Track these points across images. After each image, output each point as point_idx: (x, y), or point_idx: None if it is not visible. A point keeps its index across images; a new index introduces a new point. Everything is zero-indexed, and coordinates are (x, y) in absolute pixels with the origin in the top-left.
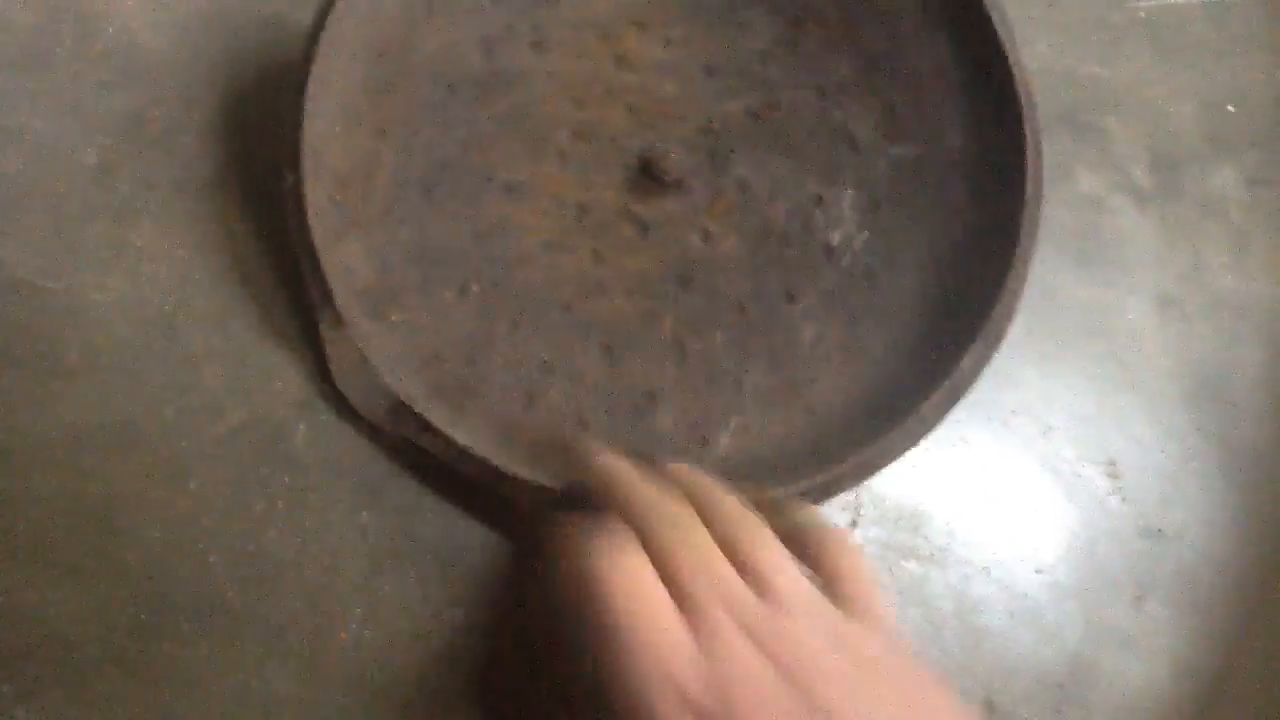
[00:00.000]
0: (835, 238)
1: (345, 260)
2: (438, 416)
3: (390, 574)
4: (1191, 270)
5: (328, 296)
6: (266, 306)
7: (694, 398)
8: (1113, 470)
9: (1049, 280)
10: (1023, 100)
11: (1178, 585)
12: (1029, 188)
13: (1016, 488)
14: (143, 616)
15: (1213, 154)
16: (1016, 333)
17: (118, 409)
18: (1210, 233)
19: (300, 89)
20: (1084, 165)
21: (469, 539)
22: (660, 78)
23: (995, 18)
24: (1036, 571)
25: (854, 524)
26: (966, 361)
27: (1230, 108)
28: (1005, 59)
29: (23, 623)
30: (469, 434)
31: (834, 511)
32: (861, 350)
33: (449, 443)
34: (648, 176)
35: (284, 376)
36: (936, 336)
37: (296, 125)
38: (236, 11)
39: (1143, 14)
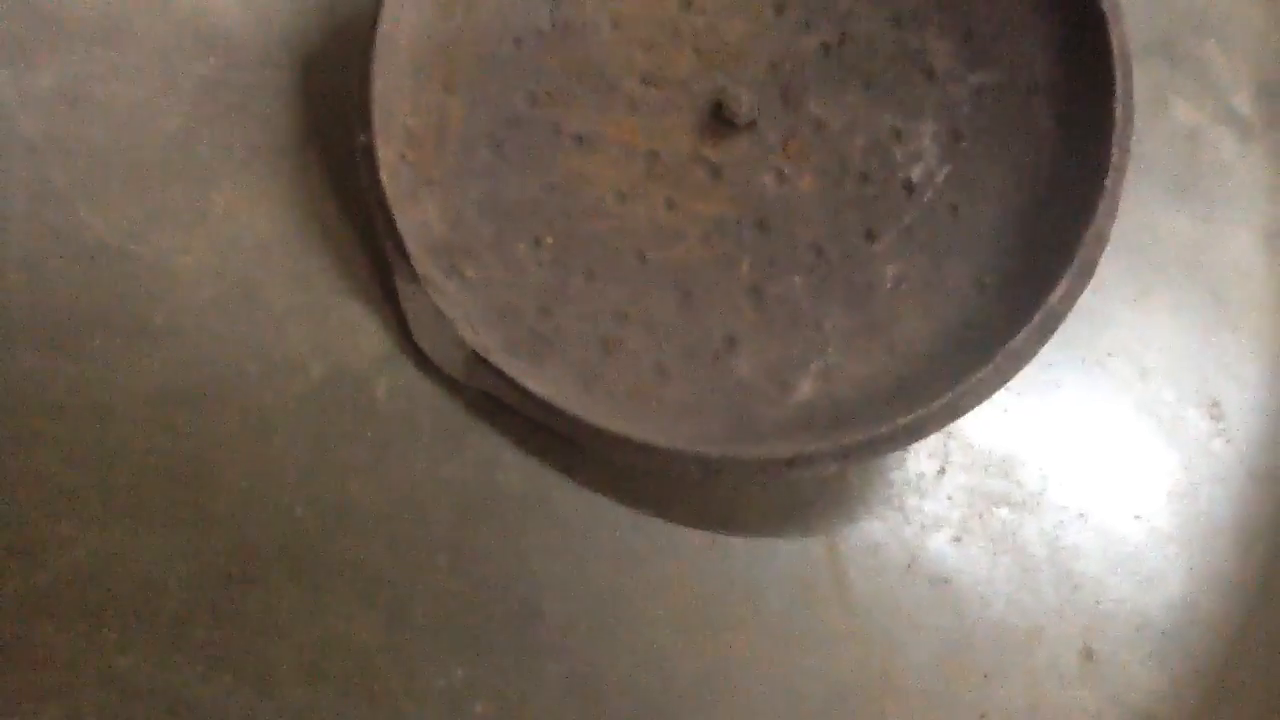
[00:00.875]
0: (915, 172)
1: (419, 217)
2: (514, 369)
3: (474, 524)
4: None
5: (402, 253)
6: (346, 264)
7: (773, 342)
8: (1216, 412)
9: (1145, 216)
10: (1110, 19)
11: None
12: (1119, 111)
13: (1113, 431)
14: (233, 567)
15: None
16: (1111, 271)
17: (204, 368)
18: None
19: (368, 48)
20: (1181, 95)
21: (550, 490)
22: (728, 17)
23: None
24: (1135, 517)
25: (941, 471)
26: (1057, 295)
27: None
28: None
29: (121, 573)
30: (546, 385)
31: (920, 459)
32: (946, 288)
33: (527, 394)
34: (719, 119)
35: (364, 332)
36: (1025, 270)
37: (365, 83)
38: None
39: None
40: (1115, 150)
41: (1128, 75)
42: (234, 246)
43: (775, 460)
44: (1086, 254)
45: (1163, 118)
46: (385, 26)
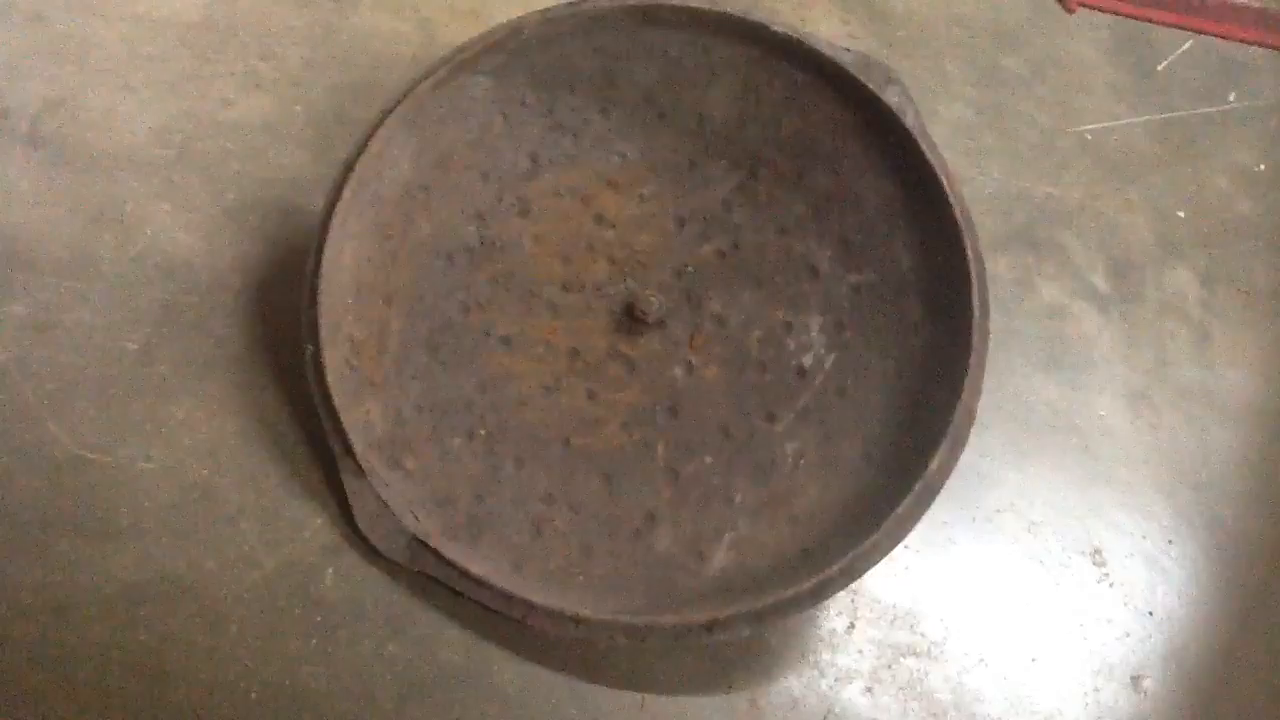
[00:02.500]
0: (807, 360)
1: (362, 416)
2: (453, 552)
3: (418, 700)
4: (1157, 365)
5: (348, 450)
6: (293, 464)
7: (689, 517)
8: (1099, 558)
9: (1020, 385)
10: (963, 227)
11: (1172, 664)
12: (976, 303)
13: (1006, 581)
14: None
15: (1167, 257)
16: (994, 436)
17: (164, 564)
18: (1171, 329)
19: (315, 269)
20: (1044, 277)
21: (490, 663)
22: (636, 231)
23: (927, 151)
24: (1032, 660)
25: (851, 626)
26: (934, 465)
27: (1180, 213)
28: (941, 189)
29: None
30: (483, 565)
31: (831, 616)
32: (838, 461)
33: (465, 575)
34: (631, 319)
35: (312, 526)
36: (906, 445)
37: (313, 299)
38: (257, 205)
39: (1088, 136)
40: (976, 336)
41: (981, 274)
42: (191, 453)
43: (695, 625)
44: (957, 430)
45: (1030, 298)
46: (330, 250)
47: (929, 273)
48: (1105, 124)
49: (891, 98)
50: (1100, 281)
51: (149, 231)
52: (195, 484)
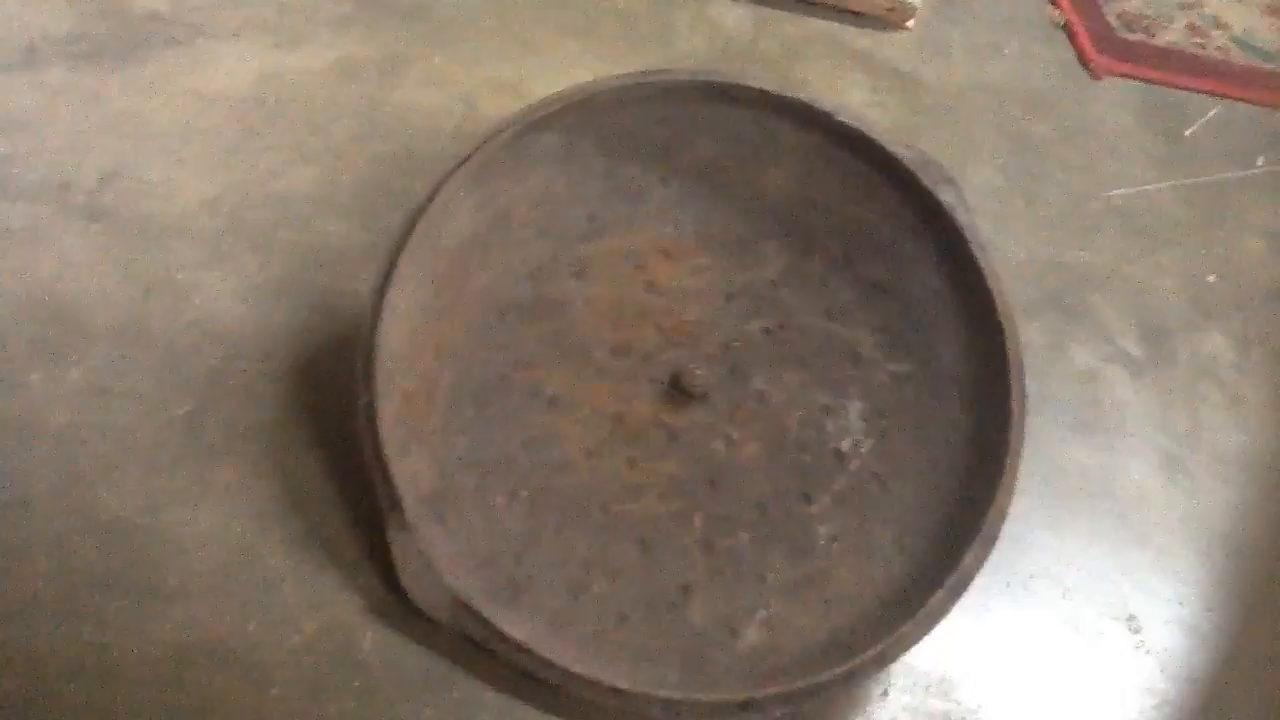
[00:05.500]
0: (845, 444)
1: (411, 469)
2: (493, 613)
3: None
4: (1191, 429)
5: (396, 502)
6: (334, 528)
7: (723, 592)
8: (1134, 624)
9: (1053, 450)
10: (1005, 326)
11: None
12: (1015, 405)
13: (1041, 648)
14: None
15: (1200, 321)
16: (1028, 502)
17: (208, 627)
18: (1204, 393)
19: (374, 318)
20: (1076, 341)
21: None
22: (686, 301)
23: (976, 252)
24: None
25: (885, 693)
26: (968, 559)
27: (1210, 278)
28: (988, 289)
29: None
30: (521, 629)
31: (865, 683)
32: (872, 548)
33: (504, 637)
34: (676, 389)
35: (352, 588)
36: (940, 535)
37: (370, 351)
38: (302, 280)
39: (1118, 201)
40: (1013, 437)
41: (1020, 376)
42: (235, 516)
43: (730, 704)
44: (990, 527)
45: (1063, 361)
46: (389, 300)
47: (970, 368)
48: (1134, 189)
49: (946, 196)
50: (1132, 346)
51: (198, 300)
52: (239, 547)
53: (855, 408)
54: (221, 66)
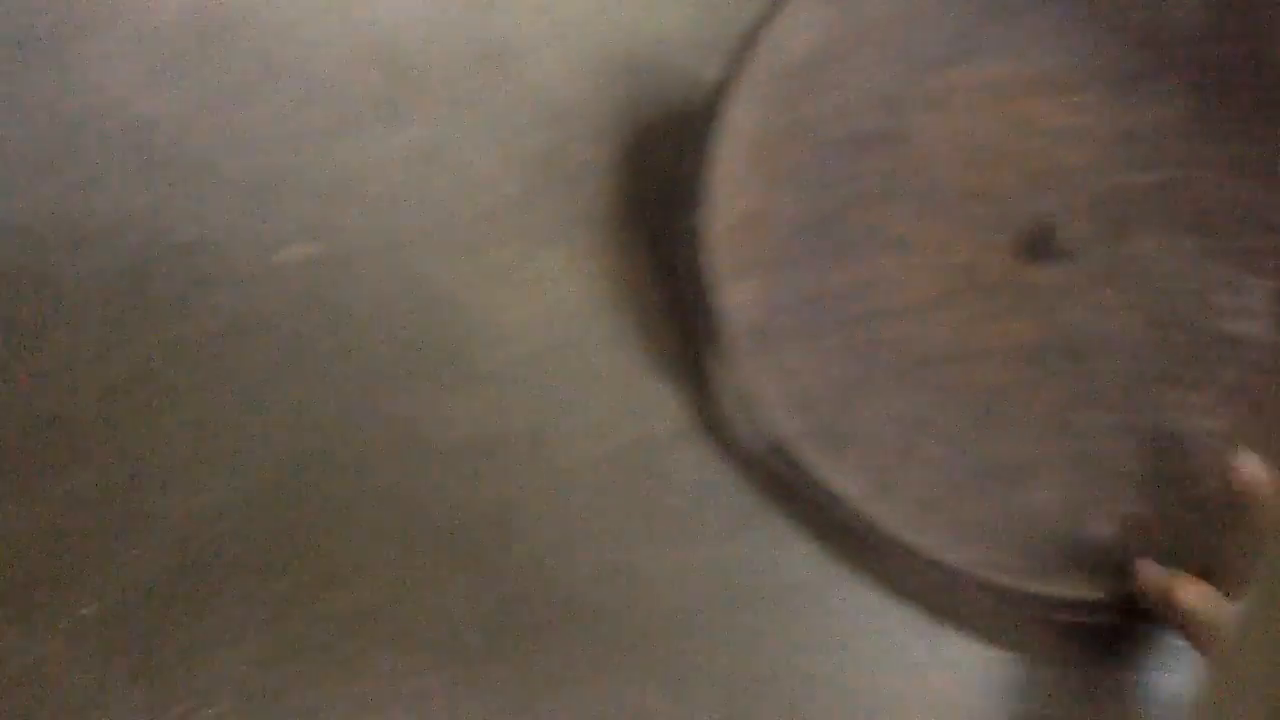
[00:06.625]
0: (1243, 328)
1: (735, 299)
2: (814, 460)
3: (751, 607)
4: None
5: (716, 332)
6: (656, 336)
7: (1070, 478)
8: None
9: None
10: None
11: None
12: None
13: None
14: (525, 614)
15: None
16: None
17: (518, 419)
18: None
19: (709, 133)
20: None
21: (830, 583)
22: (1059, 144)
23: None
24: None
25: None
26: None
27: None
28: None
29: (419, 611)
30: (844, 481)
31: None
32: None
33: (825, 487)
34: (1038, 242)
35: (668, 404)
36: None
37: (703, 166)
38: (640, 58)
39: None
40: None
41: None
42: (557, 307)
43: (1073, 601)
44: None
45: None
46: (730, 112)
47: None
48: None
49: None
50: None
51: (530, 75)
52: (557, 341)
53: (1262, 287)
54: None
